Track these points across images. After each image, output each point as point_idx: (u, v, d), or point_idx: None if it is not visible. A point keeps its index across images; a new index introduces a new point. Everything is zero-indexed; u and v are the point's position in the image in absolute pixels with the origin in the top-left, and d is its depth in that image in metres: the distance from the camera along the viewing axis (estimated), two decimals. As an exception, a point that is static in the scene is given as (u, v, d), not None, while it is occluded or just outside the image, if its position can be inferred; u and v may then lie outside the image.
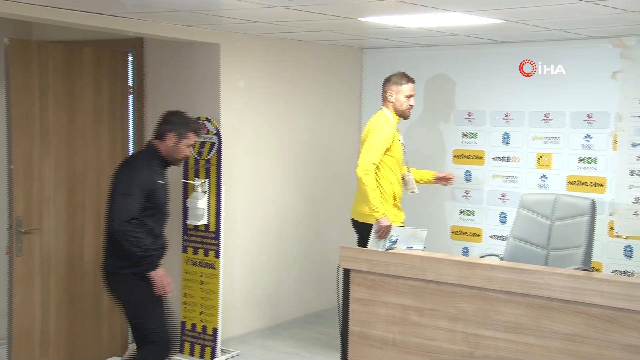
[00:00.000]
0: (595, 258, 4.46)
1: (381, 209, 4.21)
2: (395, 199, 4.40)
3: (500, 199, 5.08)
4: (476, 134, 5.18)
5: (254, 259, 5.01)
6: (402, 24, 4.18)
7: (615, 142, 4.62)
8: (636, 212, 4.55)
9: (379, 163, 4.28)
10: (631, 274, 4.54)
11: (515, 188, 4.96)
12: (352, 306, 3.01)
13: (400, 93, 4.38)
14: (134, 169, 3.61)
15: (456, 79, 5.20)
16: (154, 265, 3.58)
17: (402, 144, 4.45)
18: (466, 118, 5.22)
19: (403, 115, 4.44)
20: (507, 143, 5.04)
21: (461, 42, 4.97)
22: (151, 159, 3.68)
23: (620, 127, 4.59)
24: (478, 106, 5.14)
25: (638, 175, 4.53)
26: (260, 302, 5.06)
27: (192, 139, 3.75)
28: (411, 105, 4.42)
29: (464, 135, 5.23)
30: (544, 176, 4.91)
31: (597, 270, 4.60)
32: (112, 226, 3.50)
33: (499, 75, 5.05)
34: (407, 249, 4.13)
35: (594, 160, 4.71)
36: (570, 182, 4.80)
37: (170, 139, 3.70)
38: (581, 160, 4.76)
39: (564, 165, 4.82)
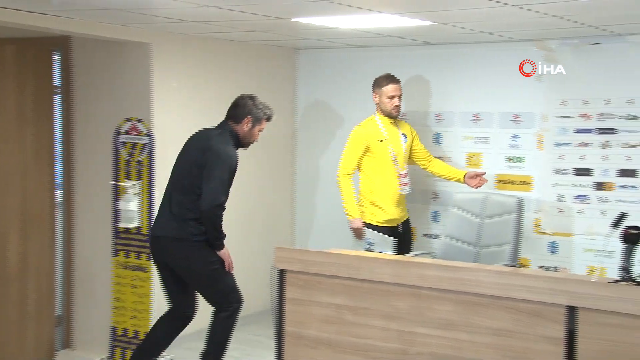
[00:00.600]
0: (522, 254, 4.60)
1: (352, 212, 4.49)
2: (374, 198, 4.54)
3: (432, 197, 5.17)
4: (409, 134, 5.25)
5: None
6: (334, 24, 4.20)
7: (541, 141, 4.78)
8: (560, 209, 4.72)
9: (360, 165, 4.57)
10: (556, 269, 4.71)
11: (447, 187, 5.06)
12: (287, 306, 3.00)
13: (383, 95, 4.59)
14: (226, 152, 3.68)
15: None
16: (222, 245, 3.78)
17: (388, 143, 4.56)
18: (400, 118, 5.28)
19: (390, 115, 4.63)
20: (439, 143, 5.14)
21: (394, 44, 5.04)
22: (230, 140, 3.75)
23: (545, 127, 4.76)
24: (411, 107, 5.21)
25: (562, 173, 4.70)
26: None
27: (264, 124, 3.86)
28: (396, 105, 4.59)
29: (397, 135, 5.29)
30: (474, 175, 5.02)
31: (524, 266, 4.75)
32: (204, 207, 3.60)
33: (431, 76, 5.14)
34: (380, 252, 4.31)
35: (521, 160, 4.86)
36: (499, 181, 4.93)
37: (247, 123, 3.79)
38: (509, 159, 4.90)
39: (493, 164, 4.95)
